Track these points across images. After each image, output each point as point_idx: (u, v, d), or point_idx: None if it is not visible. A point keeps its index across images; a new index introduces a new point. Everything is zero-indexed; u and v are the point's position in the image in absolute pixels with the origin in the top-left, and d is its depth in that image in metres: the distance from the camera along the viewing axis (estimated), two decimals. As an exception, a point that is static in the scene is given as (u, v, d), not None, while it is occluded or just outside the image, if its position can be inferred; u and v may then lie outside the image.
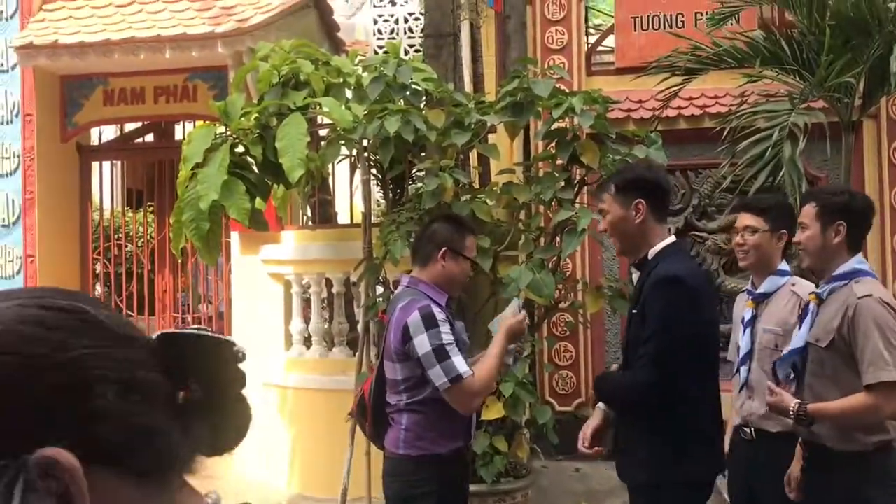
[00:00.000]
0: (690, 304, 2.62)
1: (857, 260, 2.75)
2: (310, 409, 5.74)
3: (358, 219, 7.69)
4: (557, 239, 4.63)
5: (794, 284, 3.11)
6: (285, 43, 4.92)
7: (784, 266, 3.16)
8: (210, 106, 4.79)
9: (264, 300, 6.09)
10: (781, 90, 5.18)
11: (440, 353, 2.71)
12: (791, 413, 2.66)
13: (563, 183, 4.51)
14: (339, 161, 5.39)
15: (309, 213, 6.36)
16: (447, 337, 2.74)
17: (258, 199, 4.72)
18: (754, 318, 3.11)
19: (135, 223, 7.32)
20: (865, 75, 4.55)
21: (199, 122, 6.76)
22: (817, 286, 2.83)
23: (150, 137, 7.58)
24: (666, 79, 5.33)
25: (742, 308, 3.24)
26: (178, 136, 7.73)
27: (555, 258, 4.56)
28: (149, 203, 7.42)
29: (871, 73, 4.58)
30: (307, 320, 5.98)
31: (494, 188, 4.71)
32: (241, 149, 4.64)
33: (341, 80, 4.82)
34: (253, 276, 6.12)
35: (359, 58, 5.21)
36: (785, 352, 2.81)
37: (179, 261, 6.66)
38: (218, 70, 6.16)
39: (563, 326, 5.97)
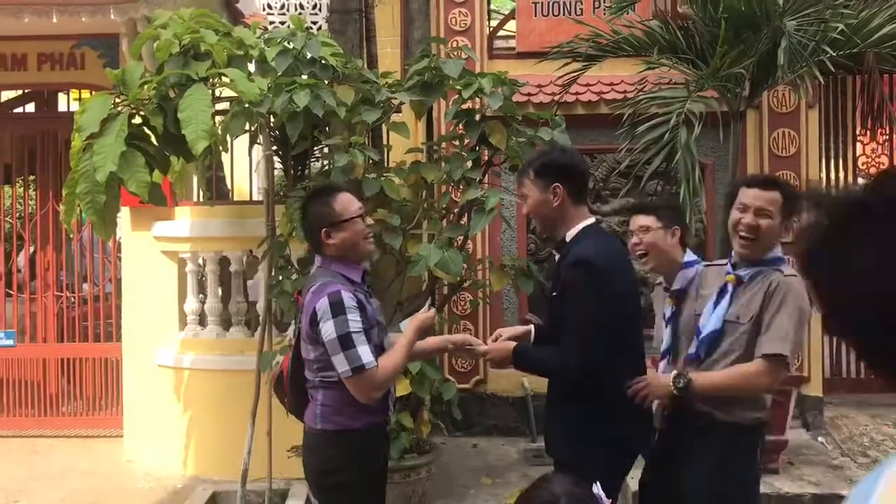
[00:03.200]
0: (600, 286, 2.69)
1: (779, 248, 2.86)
2: (206, 390, 5.60)
3: (247, 196, 7.54)
4: (464, 218, 4.69)
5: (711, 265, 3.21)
6: (185, 12, 4.73)
7: (689, 257, 3.26)
8: (106, 74, 4.56)
9: (156, 279, 5.88)
10: (674, 78, 5.41)
11: (345, 342, 2.69)
12: (672, 387, 2.74)
13: (470, 163, 4.57)
14: (238, 136, 5.25)
15: (205, 188, 6.16)
16: (354, 325, 2.71)
17: (156, 173, 4.54)
18: (675, 314, 3.17)
19: (14, 198, 6.89)
20: (753, 67, 4.80)
21: (84, 92, 6.43)
22: (734, 268, 2.88)
23: (30, 108, 7.13)
24: (566, 64, 5.46)
25: (661, 303, 3.34)
26: (62, 106, 7.32)
27: (461, 237, 4.62)
28: (21, 177, 7.00)
29: (758, 65, 4.84)
30: (202, 300, 5.82)
31: (402, 167, 4.72)
32: (138, 120, 4.45)
33: (243, 52, 4.69)
34: (144, 253, 5.89)
35: (260, 30, 5.07)
36: (704, 334, 2.86)
37: (71, 236, 6.35)
38: (108, 37, 5.85)
39: (465, 305, 6.06)
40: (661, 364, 3.17)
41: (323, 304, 2.71)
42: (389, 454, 3.35)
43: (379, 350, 2.83)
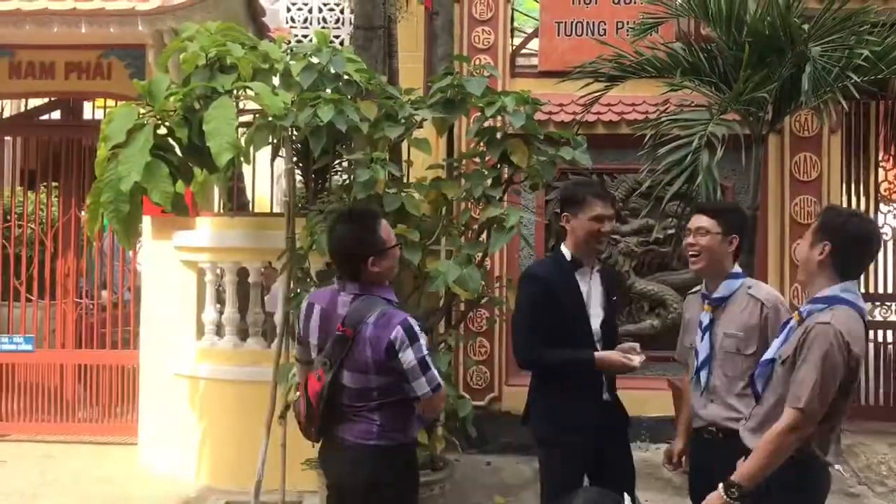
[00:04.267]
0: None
1: (842, 287, 2.68)
2: (222, 400, 5.63)
3: (267, 208, 7.58)
4: (483, 235, 4.69)
5: (749, 287, 3.19)
6: (212, 25, 4.79)
7: (737, 269, 3.24)
8: (134, 85, 4.62)
9: (175, 288, 5.92)
10: (696, 101, 5.40)
11: (423, 365, 2.81)
12: (723, 498, 2.61)
13: (491, 181, 4.58)
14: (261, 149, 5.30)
15: (226, 199, 6.21)
16: (426, 348, 2.84)
17: (179, 183, 4.58)
18: (712, 322, 3.16)
19: (38, 204, 6.96)
20: (776, 91, 4.80)
21: (110, 101, 6.50)
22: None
23: (56, 115, 7.23)
24: (588, 84, 5.47)
25: (696, 311, 3.29)
26: (87, 114, 7.40)
27: (480, 254, 4.63)
28: (45, 183, 7.09)
29: (781, 89, 4.83)
30: (220, 310, 5.85)
31: (423, 182, 4.73)
32: (163, 130, 4.50)
33: (268, 66, 4.74)
34: (165, 262, 5.94)
35: (286, 44, 5.12)
36: (760, 363, 2.82)
37: (94, 243, 6.41)
38: (136, 48, 5.93)
39: (481, 322, 6.06)
40: (702, 374, 3.15)
41: (398, 334, 2.77)
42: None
43: None
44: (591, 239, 3.37)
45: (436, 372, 2.84)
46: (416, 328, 2.81)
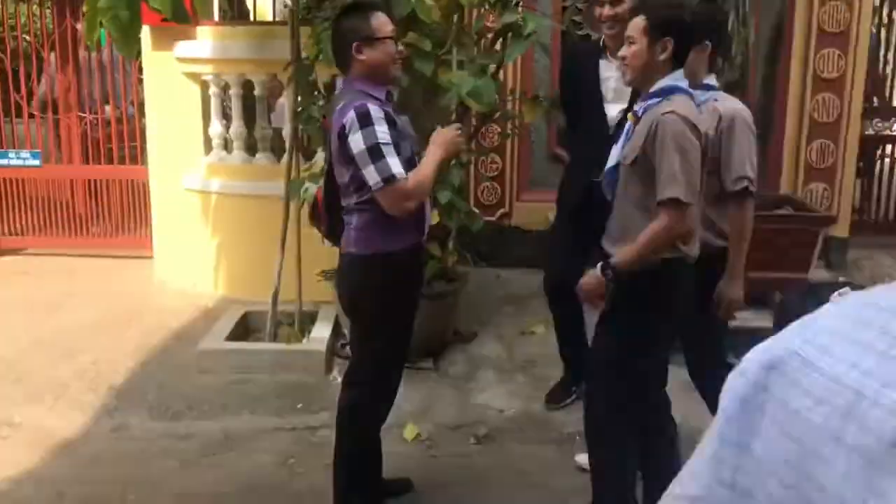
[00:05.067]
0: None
1: (674, 77, 2.68)
2: (234, 214, 5.65)
3: (268, 18, 7.27)
4: (498, 44, 4.50)
5: (716, 100, 3.03)
6: None
7: (710, 80, 3.07)
8: None
9: (179, 101, 5.79)
10: None
11: (374, 153, 2.68)
12: (601, 279, 2.73)
13: (507, -16, 4.33)
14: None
15: (226, 8, 5.94)
16: (383, 136, 2.69)
17: (178, -11, 4.34)
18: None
19: (30, 16, 6.66)
20: None
21: None
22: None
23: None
24: None
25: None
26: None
27: (495, 65, 4.45)
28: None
29: None
30: (227, 125, 5.74)
31: (434, -13, 4.47)
32: (157, -70, 4.20)
33: None
34: (166, 74, 5.76)
35: None
36: (606, 177, 2.83)
37: (93, 53, 6.20)
38: None
39: (493, 137, 5.96)
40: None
41: (350, 117, 2.69)
42: (424, 278, 3.41)
43: (411, 164, 2.82)
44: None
45: (394, 164, 2.69)
46: (375, 115, 2.69)
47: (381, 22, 2.85)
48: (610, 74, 3.63)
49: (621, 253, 2.72)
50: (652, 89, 2.69)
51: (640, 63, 2.68)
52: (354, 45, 2.79)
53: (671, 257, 2.72)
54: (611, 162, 2.81)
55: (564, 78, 4.10)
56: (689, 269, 2.80)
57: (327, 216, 2.98)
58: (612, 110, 3.65)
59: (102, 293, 5.77)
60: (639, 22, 2.68)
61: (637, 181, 2.71)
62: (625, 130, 2.78)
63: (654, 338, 2.86)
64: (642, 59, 2.67)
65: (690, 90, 2.72)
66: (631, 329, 2.79)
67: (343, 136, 2.71)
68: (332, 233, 3.02)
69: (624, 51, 2.75)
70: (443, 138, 2.89)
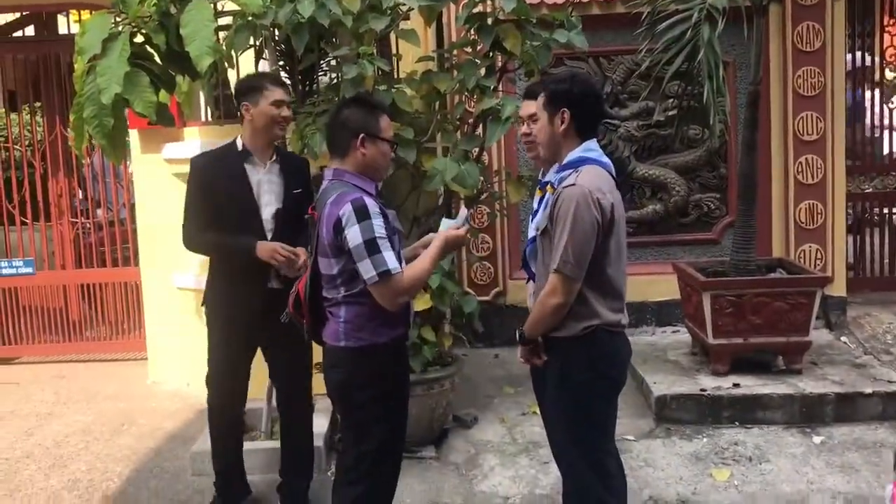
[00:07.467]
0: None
1: (584, 147, 2.78)
2: (227, 310, 5.60)
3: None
4: (479, 128, 4.56)
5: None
6: (180, -78, 4.52)
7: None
8: (103, -9, 4.39)
9: (169, 202, 5.81)
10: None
11: (371, 247, 2.67)
12: (524, 347, 2.89)
13: (484, 70, 4.42)
14: (243, 51, 5.10)
15: (213, 107, 6.02)
16: (379, 230, 2.70)
17: (162, 93, 4.42)
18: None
19: (21, 125, 6.78)
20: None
21: (84, 13, 6.24)
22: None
23: (30, 31, 6.94)
24: (580, -39, 5.23)
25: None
26: (62, 29, 7.11)
27: (476, 149, 4.51)
28: (27, 104, 6.88)
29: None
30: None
31: (413, 77, 4.57)
32: (140, 38, 4.30)
33: (243, -37, 4.49)
34: (156, 176, 5.82)
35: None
36: (528, 241, 2.94)
37: (83, 161, 6.27)
38: (103, -47, 5.63)
39: (482, 217, 5.99)
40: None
41: (347, 210, 2.68)
42: (411, 367, 3.36)
43: (399, 257, 2.82)
44: (272, 125, 3.56)
45: (389, 259, 2.68)
46: (372, 209, 2.70)
47: (388, 124, 2.91)
48: (257, 177, 3.64)
49: (529, 320, 2.83)
50: (562, 162, 2.80)
51: (545, 137, 2.84)
52: (360, 136, 2.81)
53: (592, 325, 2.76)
54: (531, 232, 2.90)
55: (201, 190, 3.72)
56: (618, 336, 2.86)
57: (311, 310, 2.95)
58: (267, 213, 3.66)
59: (95, 398, 5.70)
60: (539, 99, 2.86)
61: (548, 251, 2.77)
62: (545, 200, 2.85)
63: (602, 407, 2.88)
64: (546, 132, 2.82)
65: (601, 160, 2.80)
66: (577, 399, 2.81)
67: (339, 228, 2.70)
68: (314, 328, 2.98)
69: (526, 129, 3.02)
70: (454, 239, 2.88)
